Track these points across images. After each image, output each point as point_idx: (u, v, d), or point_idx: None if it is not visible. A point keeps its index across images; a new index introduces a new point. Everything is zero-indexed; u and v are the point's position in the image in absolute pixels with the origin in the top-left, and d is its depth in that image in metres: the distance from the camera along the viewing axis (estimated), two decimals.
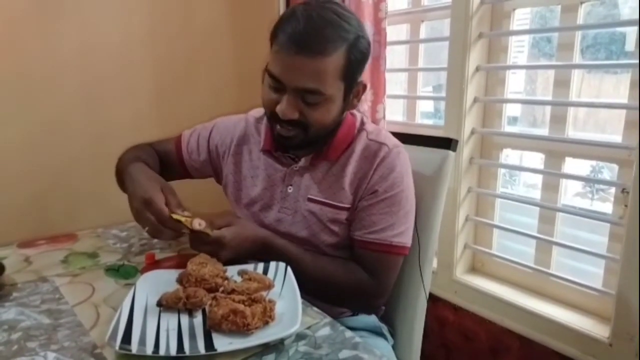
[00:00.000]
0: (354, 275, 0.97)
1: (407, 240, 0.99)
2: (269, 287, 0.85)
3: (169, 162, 1.17)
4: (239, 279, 0.90)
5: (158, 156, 1.16)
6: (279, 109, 0.90)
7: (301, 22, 0.85)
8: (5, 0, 1.43)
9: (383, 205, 0.96)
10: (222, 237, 0.90)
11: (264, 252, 0.94)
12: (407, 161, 1.00)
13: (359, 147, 1.00)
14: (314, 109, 0.90)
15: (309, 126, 0.92)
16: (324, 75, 0.87)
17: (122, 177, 1.05)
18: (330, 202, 0.99)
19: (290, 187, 1.03)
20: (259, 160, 1.08)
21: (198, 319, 0.80)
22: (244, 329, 0.74)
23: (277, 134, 0.95)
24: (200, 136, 1.16)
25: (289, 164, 1.04)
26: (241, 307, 0.76)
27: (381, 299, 1.02)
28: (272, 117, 0.95)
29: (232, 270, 0.94)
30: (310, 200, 1.00)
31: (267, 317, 0.77)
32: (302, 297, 0.82)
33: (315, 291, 0.92)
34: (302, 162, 1.02)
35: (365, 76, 1.54)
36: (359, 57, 0.91)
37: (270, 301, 0.80)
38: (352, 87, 0.95)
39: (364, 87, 0.98)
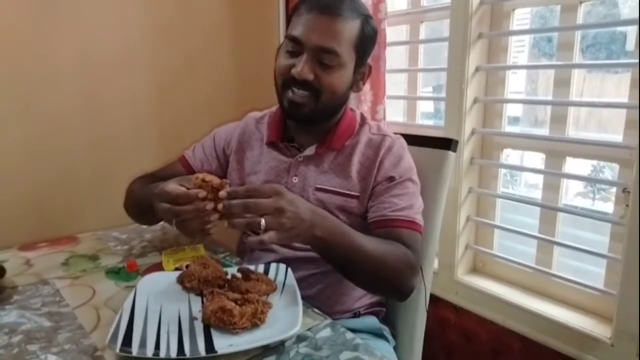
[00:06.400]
0: (401, 250, 0.92)
1: (422, 220, 1.00)
2: (274, 290, 0.85)
3: None
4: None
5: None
6: (294, 70, 0.95)
7: None
8: (4, 5, 1.43)
9: (401, 187, 1.00)
10: (281, 195, 0.78)
11: (322, 222, 0.84)
12: (407, 149, 1.07)
13: (363, 139, 1.05)
14: (328, 72, 0.96)
15: (321, 92, 0.97)
16: (340, 36, 0.95)
17: (137, 204, 1.09)
18: (339, 190, 1.02)
19: (295, 177, 1.05)
20: (261, 155, 1.10)
21: (198, 321, 0.80)
22: (229, 327, 0.74)
23: (289, 101, 0.99)
24: (204, 147, 1.17)
25: (294, 154, 1.06)
26: (230, 305, 0.76)
27: (418, 277, 0.95)
28: (285, 83, 0.98)
29: (233, 270, 0.95)
30: (318, 189, 1.02)
31: (256, 319, 0.77)
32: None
33: (374, 267, 0.87)
34: (307, 151, 1.05)
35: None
36: (371, 33, 1.00)
37: (265, 304, 0.80)
38: (361, 64, 1.01)
39: (370, 69, 1.06)
